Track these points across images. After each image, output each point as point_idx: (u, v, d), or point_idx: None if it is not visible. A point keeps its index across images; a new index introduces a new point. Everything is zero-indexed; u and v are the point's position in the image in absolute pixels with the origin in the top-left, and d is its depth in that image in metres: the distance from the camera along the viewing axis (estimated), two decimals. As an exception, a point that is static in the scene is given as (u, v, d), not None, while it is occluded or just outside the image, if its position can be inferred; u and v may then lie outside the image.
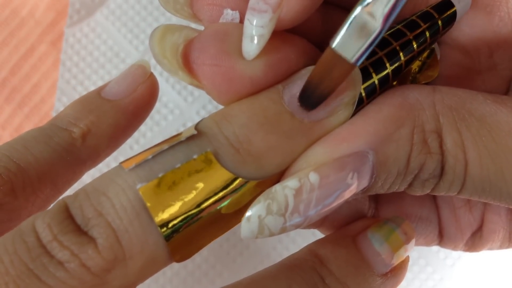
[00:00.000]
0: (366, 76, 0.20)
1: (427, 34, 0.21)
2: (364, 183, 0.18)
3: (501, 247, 0.25)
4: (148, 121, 0.40)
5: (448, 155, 0.19)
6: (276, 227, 0.17)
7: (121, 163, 0.18)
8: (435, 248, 0.37)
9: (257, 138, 0.18)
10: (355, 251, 0.20)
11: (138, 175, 0.17)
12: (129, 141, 0.40)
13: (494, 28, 0.22)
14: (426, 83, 0.23)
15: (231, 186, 0.17)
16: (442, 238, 0.25)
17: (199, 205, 0.17)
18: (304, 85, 0.18)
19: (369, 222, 0.21)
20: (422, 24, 0.21)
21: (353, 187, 0.18)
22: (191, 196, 0.17)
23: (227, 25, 0.19)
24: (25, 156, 0.20)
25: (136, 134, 0.40)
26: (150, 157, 0.17)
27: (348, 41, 0.16)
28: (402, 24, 0.21)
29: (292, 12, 0.18)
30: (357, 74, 0.19)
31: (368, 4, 0.15)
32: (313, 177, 0.17)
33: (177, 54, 0.19)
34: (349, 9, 0.22)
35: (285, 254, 0.24)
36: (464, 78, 0.23)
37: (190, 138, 0.18)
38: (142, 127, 0.40)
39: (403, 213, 0.24)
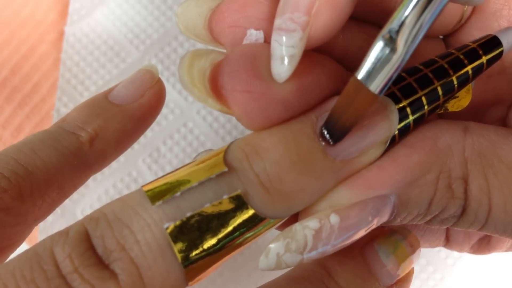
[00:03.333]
0: (401, 113, 0.19)
1: (470, 73, 0.20)
2: (383, 220, 0.18)
3: (507, 251, 0.25)
4: (149, 121, 0.40)
5: (471, 200, 0.18)
6: (293, 262, 0.18)
7: (143, 188, 0.17)
8: (436, 247, 0.37)
9: (289, 178, 0.17)
10: (363, 263, 0.20)
11: (165, 213, 0.17)
12: (130, 141, 0.40)
13: None
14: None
15: (256, 225, 0.17)
16: (448, 241, 0.25)
17: (224, 244, 0.17)
18: (327, 117, 0.18)
19: (376, 232, 0.21)
20: (466, 62, 0.20)
21: (372, 225, 0.18)
22: (217, 236, 0.17)
23: (254, 46, 0.18)
24: (33, 160, 0.20)
25: (137, 134, 0.40)
26: (178, 194, 0.17)
27: (371, 72, 0.15)
28: (446, 60, 0.20)
29: (321, 29, 0.17)
30: (394, 114, 0.18)
31: (390, 34, 0.15)
32: (334, 218, 0.17)
33: (204, 79, 0.19)
34: (368, 22, 0.21)
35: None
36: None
37: (220, 175, 0.17)
38: (143, 127, 0.40)
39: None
